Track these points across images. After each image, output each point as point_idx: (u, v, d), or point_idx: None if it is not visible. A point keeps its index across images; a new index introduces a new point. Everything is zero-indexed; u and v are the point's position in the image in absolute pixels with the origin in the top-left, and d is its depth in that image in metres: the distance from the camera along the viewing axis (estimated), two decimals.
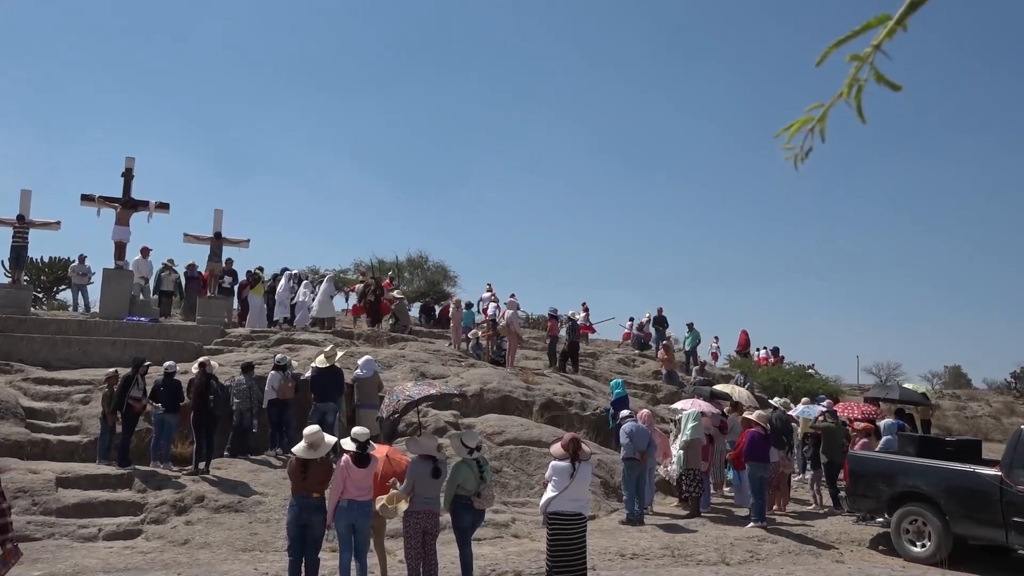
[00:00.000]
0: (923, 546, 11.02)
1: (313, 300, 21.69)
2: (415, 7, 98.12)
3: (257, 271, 22.06)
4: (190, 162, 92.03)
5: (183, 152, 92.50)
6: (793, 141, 1.46)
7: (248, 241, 22.28)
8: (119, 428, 12.68)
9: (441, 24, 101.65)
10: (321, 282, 22.55)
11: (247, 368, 14.09)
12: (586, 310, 28.06)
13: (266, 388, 13.95)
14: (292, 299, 21.68)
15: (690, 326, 27.68)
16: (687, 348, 27.44)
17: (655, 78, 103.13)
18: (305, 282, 22.27)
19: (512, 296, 23.15)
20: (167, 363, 13.39)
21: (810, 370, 30.66)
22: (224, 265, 21.42)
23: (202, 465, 12.54)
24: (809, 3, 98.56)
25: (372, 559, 8.65)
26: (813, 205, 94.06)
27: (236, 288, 21.71)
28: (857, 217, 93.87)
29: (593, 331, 29.16)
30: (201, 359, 13.60)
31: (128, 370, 13.03)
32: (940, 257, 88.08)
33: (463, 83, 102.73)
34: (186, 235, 21.80)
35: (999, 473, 10.42)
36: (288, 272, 22.29)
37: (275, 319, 21.29)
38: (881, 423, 15.46)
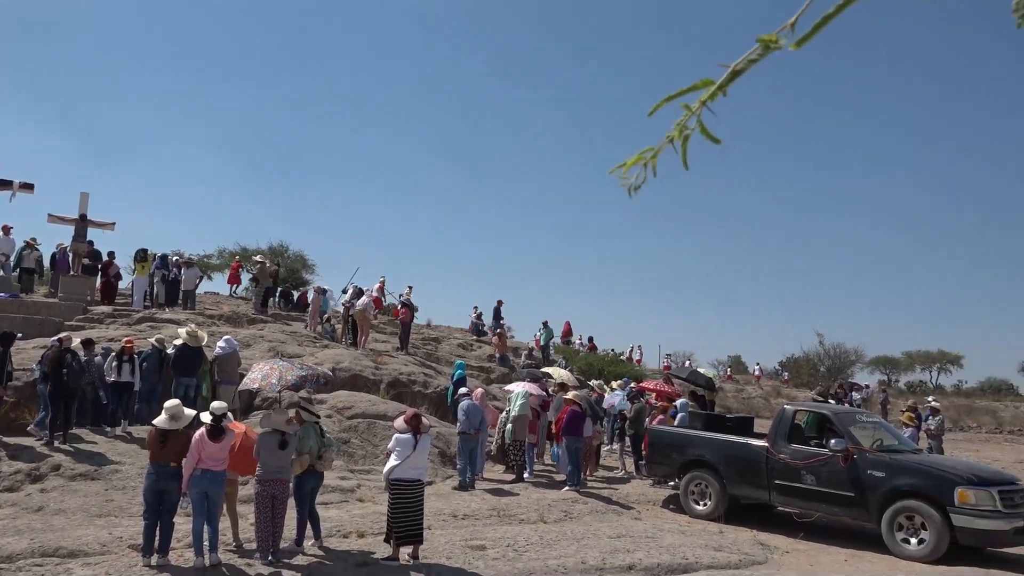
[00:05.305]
0: (705, 505, 11.70)
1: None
2: (284, 3, 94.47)
3: (142, 251, 20.41)
4: (58, 145, 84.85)
5: (51, 134, 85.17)
6: (629, 173, 1.51)
7: (113, 224, 20.92)
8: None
9: (309, 20, 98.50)
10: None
11: (87, 344, 12.94)
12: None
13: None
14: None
15: (544, 324, 27.61)
16: (543, 343, 27.27)
17: (487, 93, 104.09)
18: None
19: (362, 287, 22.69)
20: (51, 339, 12.32)
21: (621, 356, 31.90)
22: (87, 246, 19.97)
23: (58, 435, 11.63)
24: (616, 26, 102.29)
25: (224, 523, 8.36)
26: (628, 216, 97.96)
27: (100, 267, 20.24)
28: (667, 226, 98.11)
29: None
30: (61, 334, 12.62)
31: None
32: (726, 261, 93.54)
33: (326, 82, 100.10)
34: (50, 215, 20.24)
35: (766, 444, 11.26)
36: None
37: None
38: (677, 402, 16.33)
